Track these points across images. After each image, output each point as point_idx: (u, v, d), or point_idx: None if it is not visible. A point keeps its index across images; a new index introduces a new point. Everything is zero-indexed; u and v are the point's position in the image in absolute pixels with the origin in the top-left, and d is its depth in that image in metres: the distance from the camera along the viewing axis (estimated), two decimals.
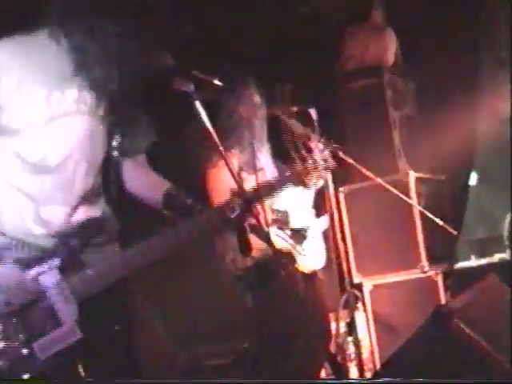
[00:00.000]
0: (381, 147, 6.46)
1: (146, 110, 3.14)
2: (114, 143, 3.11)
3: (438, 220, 5.40)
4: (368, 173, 5.02)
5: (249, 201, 3.09)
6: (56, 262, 2.95)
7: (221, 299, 5.66)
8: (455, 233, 5.53)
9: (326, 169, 3.51)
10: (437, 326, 3.42)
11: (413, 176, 6.23)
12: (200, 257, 5.10)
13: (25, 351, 2.87)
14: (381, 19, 7.01)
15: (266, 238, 3.03)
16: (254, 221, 3.09)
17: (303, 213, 4.70)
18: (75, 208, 3.02)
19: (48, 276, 2.94)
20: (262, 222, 3.05)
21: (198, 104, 3.01)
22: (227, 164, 3.05)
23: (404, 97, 6.95)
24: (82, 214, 3.05)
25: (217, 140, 3.02)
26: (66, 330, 2.94)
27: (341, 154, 4.72)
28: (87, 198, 3.06)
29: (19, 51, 2.91)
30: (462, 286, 5.25)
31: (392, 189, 5.36)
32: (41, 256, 2.95)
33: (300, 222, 4.61)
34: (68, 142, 2.96)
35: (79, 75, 2.94)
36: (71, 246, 3.01)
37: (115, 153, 3.11)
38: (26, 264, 2.93)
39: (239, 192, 3.10)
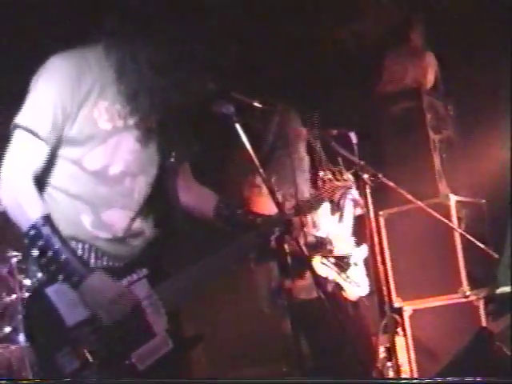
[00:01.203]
0: (421, 170, 6.43)
1: (189, 129, 3.16)
2: (166, 156, 3.15)
3: (479, 244, 5.34)
4: (409, 196, 4.98)
5: (289, 224, 3.09)
6: (144, 271, 3.00)
7: (261, 323, 5.63)
8: (496, 257, 5.47)
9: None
10: (479, 348, 3.39)
11: (453, 199, 6.18)
12: (241, 281, 5.09)
13: (127, 362, 2.92)
14: (420, 42, 6.99)
15: (309, 265, 3.01)
16: (295, 246, 3.08)
17: (345, 240, 4.68)
18: (137, 214, 3.06)
19: (139, 286, 2.97)
20: (304, 248, 3.02)
21: (238, 126, 3.02)
22: (270, 190, 3.04)
23: (444, 120, 6.91)
24: (142, 219, 3.10)
25: (258, 164, 3.02)
26: (160, 340, 2.99)
27: (381, 176, 4.69)
28: (146, 206, 3.10)
29: (85, 63, 2.98)
30: (503, 311, 5.19)
31: (433, 212, 5.30)
32: (128, 265, 3.00)
33: (342, 250, 4.59)
34: (125, 156, 3.01)
35: (131, 91, 2.98)
36: (155, 255, 3.07)
37: (168, 164, 3.15)
38: (113, 273, 2.96)
39: (280, 217, 3.11)
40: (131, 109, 2.99)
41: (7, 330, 5.62)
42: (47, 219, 2.88)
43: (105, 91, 3.00)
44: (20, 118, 2.95)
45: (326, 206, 4.46)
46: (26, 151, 2.93)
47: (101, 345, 2.88)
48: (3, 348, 5.61)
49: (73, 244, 2.98)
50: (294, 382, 3.95)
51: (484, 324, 5.89)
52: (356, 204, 4.58)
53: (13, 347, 5.61)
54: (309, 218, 4.25)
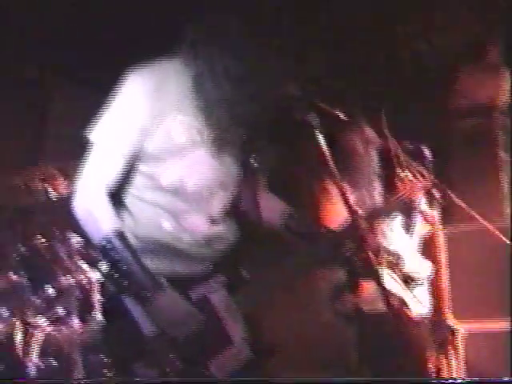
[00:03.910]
0: (487, 191, 6.31)
1: (271, 135, 3.15)
2: (245, 163, 3.14)
3: None
4: (478, 217, 4.89)
5: (362, 237, 3.05)
6: (222, 278, 2.99)
7: (325, 332, 5.59)
8: None
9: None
10: None
11: None
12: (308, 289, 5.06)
13: (205, 372, 2.93)
14: (497, 58, 6.87)
15: (377, 278, 2.97)
16: (365, 258, 3.04)
17: (413, 257, 4.62)
18: (215, 219, 3.06)
19: (216, 294, 2.97)
20: (374, 259, 2.98)
21: (318, 134, 2.99)
22: (344, 198, 3.00)
23: None
24: (222, 225, 3.09)
25: (335, 172, 2.99)
26: (238, 348, 2.98)
27: (451, 194, 4.62)
28: (225, 213, 3.09)
29: (163, 78, 2.98)
30: None
31: (498, 234, 5.20)
32: (206, 273, 2.99)
33: (410, 266, 4.54)
34: (203, 171, 3.01)
35: (212, 103, 2.97)
36: (234, 261, 3.06)
37: (249, 170, 3.15)
38: (192, 281, 2.95)
39: (353, 227, 3.07)
40: (210, 122, 2.98)
41: (61, 311, 5.66)
42: (119, 233, 2.91)
43: (183, 105, 3.00)
44: (97, 133, 2.98)
45: (397, 220, 4.42)
46: (101, 166, 2.98)
47: (178, 355, 2.87)
48: (56, 329, 5.65)
49: (153, 245, 2.98)
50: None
51: None
52: (426, 219, 4.51)
53: (64, 329, 5.65)
54: (380, 229, 4.19)
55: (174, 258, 3.03)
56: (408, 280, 4.54)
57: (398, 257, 4.46)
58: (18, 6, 6.01)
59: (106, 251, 2.90)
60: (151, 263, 2.98)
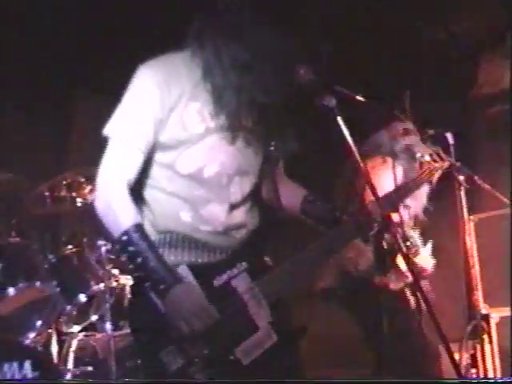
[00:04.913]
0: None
1: (290, 121, 3.15)
2: (265, 149, 3.15)
3: None
4: (504, 199, 4.87)
5: (388, 220, 3.05)
6: (244, 265, 3.00)
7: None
8: None
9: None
10: None
11: None
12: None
13: (231, 357, 2.94)
14: None
15: (408, 261, 2.97)
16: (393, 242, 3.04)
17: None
18: (237, 207, 3.07)
19: (240, 280, 2.99)
20: (402, 244, 2.98)
21: (339, 119, 2.99)
22: (369, 182, 3.00)
23: None
24: (242, 212, 3.10)
25: (358, 158, 2.99)
26: (263, 333, 2.99)
27: (477, 179, 4.61)
28: (245, 200, 3.10)
29: (173, 69, 3.02)
30: None
31: None
32: (228, 259, 3.01)
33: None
34: (219, 157, 3.02)
35: (221, 91, 2.99)
36: (255, 248, 3.07)
37: (269, 156, 3.16)
38: (214, 268, 2.98)
39: (379, 214, 3.08)
40: (222, 109, 3.00)
41: (94, 318, 5.70)
42: (139, 227, 2.95)
43: (195, 93, 3.03)
44: (113, 128, 3.03)
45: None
46: (120, 160, 3.01)
47: (204, 342, 2.89)
48: (88, 336, 5.69)
49: (172, 237, 3.00)
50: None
51: None
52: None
53: (99, 335, 5.69)
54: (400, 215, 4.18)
55: (195, 249, 3.05)
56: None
57: (417, 245, 4.48)
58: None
59: (124, 244, 2.92)
60: (171, 256, 3.01)
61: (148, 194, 3.10)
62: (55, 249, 5.76)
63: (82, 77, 6.73)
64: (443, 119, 5.36)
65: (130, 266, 2.95)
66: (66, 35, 6.30)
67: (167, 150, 3.02)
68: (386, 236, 3.04)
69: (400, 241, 3.01)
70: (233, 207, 3.09)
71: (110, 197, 2.97)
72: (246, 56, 2.95)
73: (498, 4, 6.72)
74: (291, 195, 3.37)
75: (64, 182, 5.72)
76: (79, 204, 5.69)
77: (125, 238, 2.91)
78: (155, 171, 3.07)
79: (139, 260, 2.90)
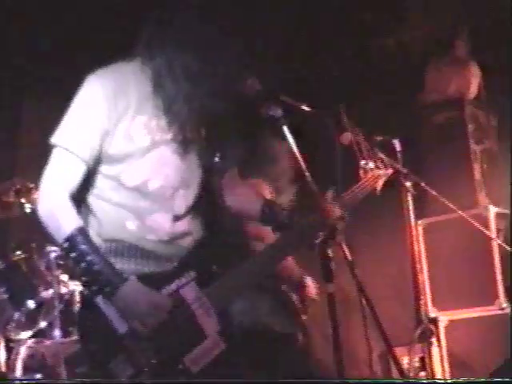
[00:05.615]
0: (461, 181, 6.37)
1: (237, 131, 3.17)
2: (209, 160, 3.16)
3: None
4: (451, 205, 4.94)
5: (334, 229, 3.07)
6: (192, 274, 3.01)
7: None
8: None
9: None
10: None
11: (493, 211, 6.13)
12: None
13: (180, 366, 2.94)
14: (464, 52, 6.94)
15: (352, 270, 2.99)
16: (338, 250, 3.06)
17: None
18: (182, 216, 3.08)
19: (188, 289, 2.99)
20: (347, 252, 3.00)
21: (285, 129, 3.02)
22: (314, 192, 3.03)
23: (486, 131, 6.84)
24: (186, 222, 3.11)
25: (304, 166, 3.02)
26: (212, 342, 2.99)
27: (423, 185, 4.67)
28: (188, 211, 3.12)
29: (122, 80, 3.01)
30: None
31: (473, 222, 5.25)
32: (176, 269, 3.01)
33: None
34: (164, 170, 3.03)
35: (172, 101, 3.00)
36: (203, 257, 3.08)
37: (213, 170, 3.17)
38: (162, 278, 2.98)
39: (326, 220, 3.10)
40: (169, 119, 3.01)
41: (43, 324, 5.65)
42: (81, 230, 2.95)
43: (142, 105, 3.03)
44: (58, 137, 3.02)
45: None
46: (63, 168, 3.00)
47: (153, 351, 2.89)
48: (37, 343, 5.63)
49: (118, 246, 3.01)
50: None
51: None
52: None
53: (48, 342, 5.63)
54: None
55: (141, 258, 3.06)
56: None
57: None
58: None
59: (68, 250, 2.93)
60: (118, 264, 3.01)
61: (94, 203, 3.09)
62: (4, 255, 5.69)
63: (30, 81, 6.65)
64: (391, 126, 5.44)
65: (77, 270, 2.94)
66: (21, 37, 6.23)
67: (114, 163, 3.02)
68: (331, 244, 3.02)
69: (345, 249, 3.02)
70: (177, 218, 3.10)
71: (51, 204, 2.97)
72: (195, 65, 2.96)
73: (445, 15, 6.82)
74: (250, 201, 3.41)
75: (13, 188, 5.66)
76: (28, 210, 5.63)
77: (68, 242, 2.91)
78: (101, 182, 3.07)
79: (84, 264, 2.90)
